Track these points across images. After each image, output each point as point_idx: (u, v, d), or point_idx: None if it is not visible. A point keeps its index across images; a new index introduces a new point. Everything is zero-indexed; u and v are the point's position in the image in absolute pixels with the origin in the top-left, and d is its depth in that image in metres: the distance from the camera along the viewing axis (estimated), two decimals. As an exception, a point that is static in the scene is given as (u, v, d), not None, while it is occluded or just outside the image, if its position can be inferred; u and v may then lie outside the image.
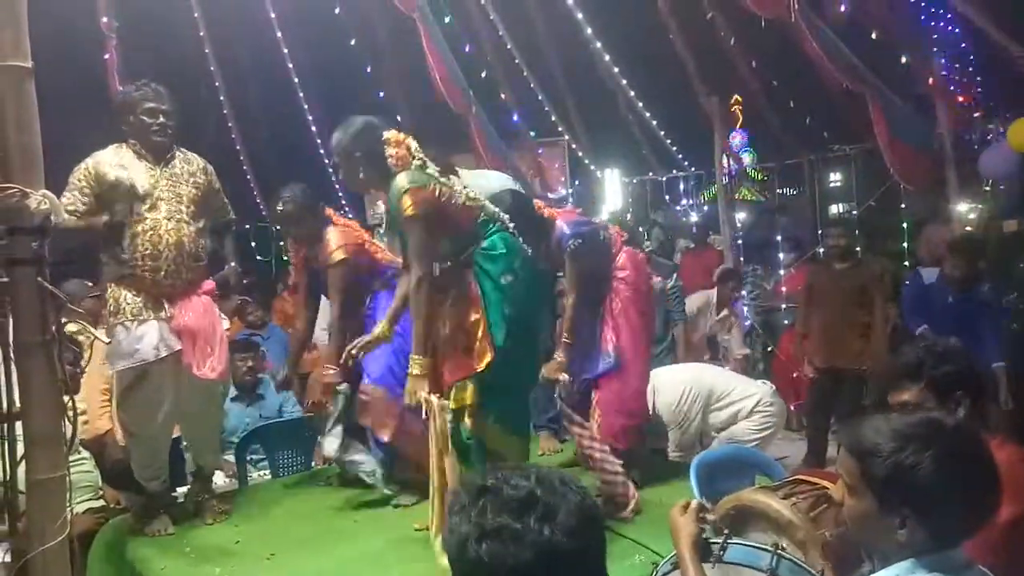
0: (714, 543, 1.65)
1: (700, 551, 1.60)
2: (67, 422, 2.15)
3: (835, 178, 8.77)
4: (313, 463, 4.21)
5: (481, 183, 3.43)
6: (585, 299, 3.41)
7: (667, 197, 9.14)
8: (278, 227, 9.26)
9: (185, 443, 3.68)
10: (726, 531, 1.69)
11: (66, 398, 2.13)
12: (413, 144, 2.79)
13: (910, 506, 1.34)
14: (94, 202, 2.99)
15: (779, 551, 1.64)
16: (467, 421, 2.77)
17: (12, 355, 2.07)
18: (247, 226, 9.34)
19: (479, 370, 2.75)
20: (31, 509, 2.08)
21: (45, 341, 2.07)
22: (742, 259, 7.82)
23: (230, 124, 8.22)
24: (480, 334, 2.77)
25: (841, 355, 4.94)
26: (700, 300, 6.35)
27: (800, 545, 1.95)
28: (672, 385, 3.96)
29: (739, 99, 7.26)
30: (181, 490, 3.61)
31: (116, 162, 3.06)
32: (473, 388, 2.76)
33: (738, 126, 9.04)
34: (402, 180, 2.68)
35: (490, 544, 1.10)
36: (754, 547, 1.67)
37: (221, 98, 7.96)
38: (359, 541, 2.94)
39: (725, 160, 7.97)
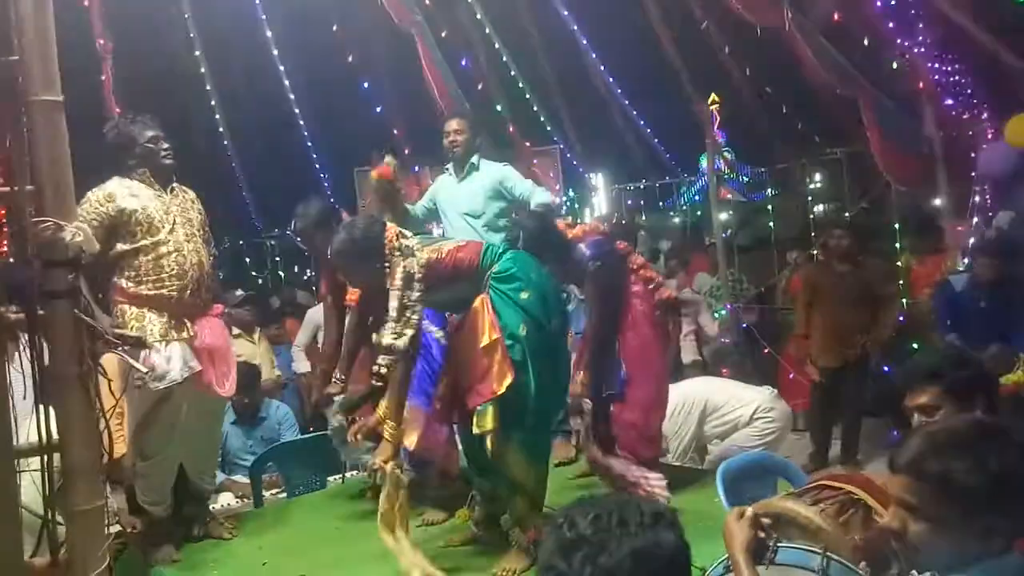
0: (765, 547, 1.70)
1: (754, 554, 1.65)
2: (104, 451, 2.15)
3: (825, 180, 8.88)
4: (330, 480, 4.22)
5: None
6: (606, 317, 3.43)
7: (661, 203, 9.23)
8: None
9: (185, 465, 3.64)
10: (775, 535, 1.73)
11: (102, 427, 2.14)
12: (395, 229, 2.94)
13: (998, 509, 1.35)
14: (103, 235, 3.01)
15: (828, 553, 1.69)
16: (488, 446, 2.78)
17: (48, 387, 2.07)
18: (240, 242, 9.34)
19: (499, 392, 2.73)
20: (72, 540, 2.07)
21: (82, 372, 2.08)
22: (734, 265, 7.92)
23: (226, 141, 8.20)
24: (499, 356, 2.75)
25: (845, 354, 5.07)
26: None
27: (831, 550, 2.00)
28: (668, 399, 4.00)
29: (717, 99, 7.32)
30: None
31: (127, 192, 3.13)
32: (493, 412, 2.75)
33: (716, 127, 9.10)
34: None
35: None
36: (804, 549, 1.71)
37: (217, 116, 7.94)
38: (388, 561, 2.94)
39: (713, 163, 8.08)
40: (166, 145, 3.22)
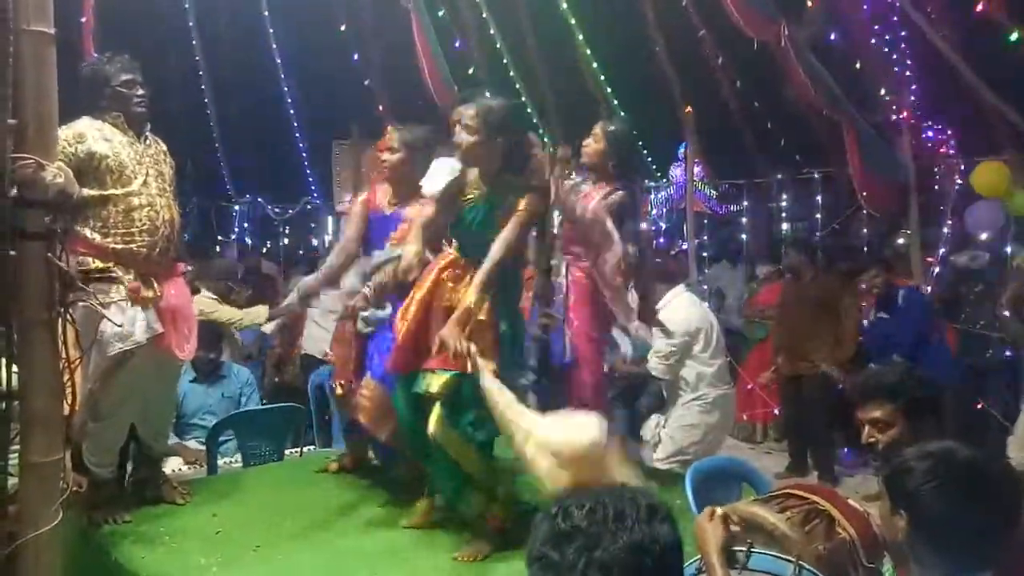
0: (738, 551, 1.70)
1: (727, 557, 1.65)
2: (66, 403, 2.08)
3: (797, 198, 9.03)
4: (288, 452, 4.16)
5: None
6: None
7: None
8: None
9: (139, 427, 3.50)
10: (749, 540, 1.74)
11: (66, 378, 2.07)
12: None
13: (906, 508, 1.51)
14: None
15: (801, 562, 1.69)
16: (431, 423, 2.70)
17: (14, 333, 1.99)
18: (209, 204, 9.11)
19: (467, 370, 2.63)
20: (25, 492, 2.00)
21: (51, 319, 2.00)
22: (706, 271, 8.02)
23: (205, 99, 7.97)
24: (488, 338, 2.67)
25: (802, 363, 5.26)
26: None
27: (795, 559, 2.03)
28: (688, 306, 3.99)
29: (691, 110, 7.41)
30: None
31: (99, 135, 2.96)
32: (448, 381, 2.68)
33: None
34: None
35: (533, 570, 1.19)
36: (777, 557, 1.71)
37: (200, 72, 7.71)
38: (344, 538, 2.91)
39: (680, 172, 8.18)
40: (140, 92, 3.05)
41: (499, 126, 2.76)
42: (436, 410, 2.71)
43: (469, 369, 2.64)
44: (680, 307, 3.90)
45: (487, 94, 2.95)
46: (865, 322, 5.34)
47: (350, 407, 3.41)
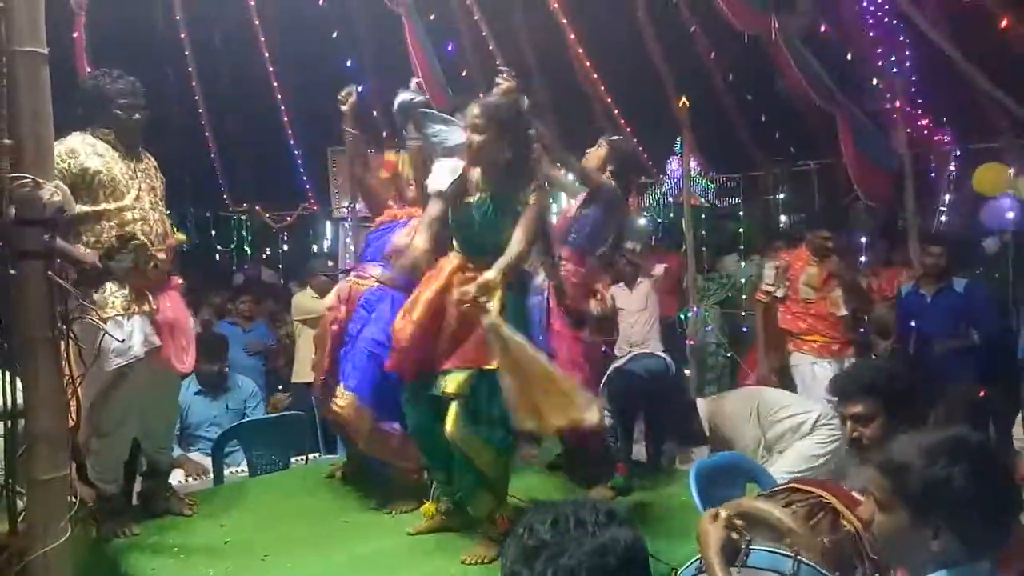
0: (737, 548, 1.71)
1: (727, 556, 1.66)
2: (70, 420, 2.09)
3: (794, 191, 9.01)
4: (292, 461, 4.17)
5: None
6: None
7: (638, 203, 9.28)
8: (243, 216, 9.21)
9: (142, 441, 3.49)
10: (748, 537, 1.75)
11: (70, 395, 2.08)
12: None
13: (943, 517, 1.43)
14: None
15: (799, 556, 1.70)
16: (448, 423, 2.73)
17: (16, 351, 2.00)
18: (207, 214, 9.12)
19: (486, 366, 2.67)
20: (33, 509, 2.01)
21: (52, 337, 2.01)
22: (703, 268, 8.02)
23: (200, 110, 7.98)
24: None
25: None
26: None
27: (801, 552, 2.04)
28: (733, 411, 3.95)
29: (686, 103, 7.40)
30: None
31: (91, 150, 2.98)
32: (464, 381, 2.70)
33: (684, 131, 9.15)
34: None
35: None
36: (776, 552, 1.72)
37: (193, 83, 7.71)
38: (352, 545, 2.93)
39: (675, 165, 8.19)
40: (139, 116, 3.08)
41: (505, 124, 2.78)
42: (452, 409, 2.72)
43: (486, 365, 2.66)
44: (724, 415, 3.93)
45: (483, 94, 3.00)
46: (902, 290, 5.10)
47: (325, 411, 3.46)
